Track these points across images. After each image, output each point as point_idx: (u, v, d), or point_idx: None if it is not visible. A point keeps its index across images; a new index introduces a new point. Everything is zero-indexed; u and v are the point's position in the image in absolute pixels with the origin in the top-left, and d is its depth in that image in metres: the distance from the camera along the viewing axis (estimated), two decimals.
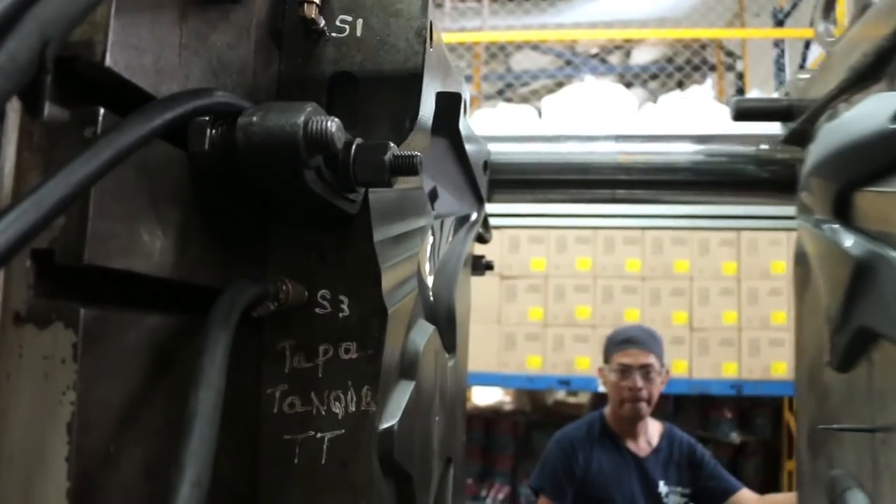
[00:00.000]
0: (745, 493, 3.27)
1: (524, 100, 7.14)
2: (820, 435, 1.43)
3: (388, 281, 0.83)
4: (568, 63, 7.61)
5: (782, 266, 4.85)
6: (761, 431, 5.92)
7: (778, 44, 6.53)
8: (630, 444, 3.28)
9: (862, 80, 1.11)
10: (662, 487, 3.23)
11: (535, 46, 7.37)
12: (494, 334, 4.91)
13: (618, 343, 3.32)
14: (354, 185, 0.75)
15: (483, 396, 6.63)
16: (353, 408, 0.80)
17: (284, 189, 0.70)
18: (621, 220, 4.76)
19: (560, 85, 7.00)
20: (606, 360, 3.36)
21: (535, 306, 4.92)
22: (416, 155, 0.74)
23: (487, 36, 6.89)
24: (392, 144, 0.74)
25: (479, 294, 4.67)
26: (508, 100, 7.19)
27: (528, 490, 6.02)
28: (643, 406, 3.22)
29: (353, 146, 0.74)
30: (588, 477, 3.22)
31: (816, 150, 1.13)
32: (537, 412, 6.25)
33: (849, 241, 1.01)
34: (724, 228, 4.90)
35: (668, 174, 1.58)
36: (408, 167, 0.74)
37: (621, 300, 4.89)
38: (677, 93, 6.12)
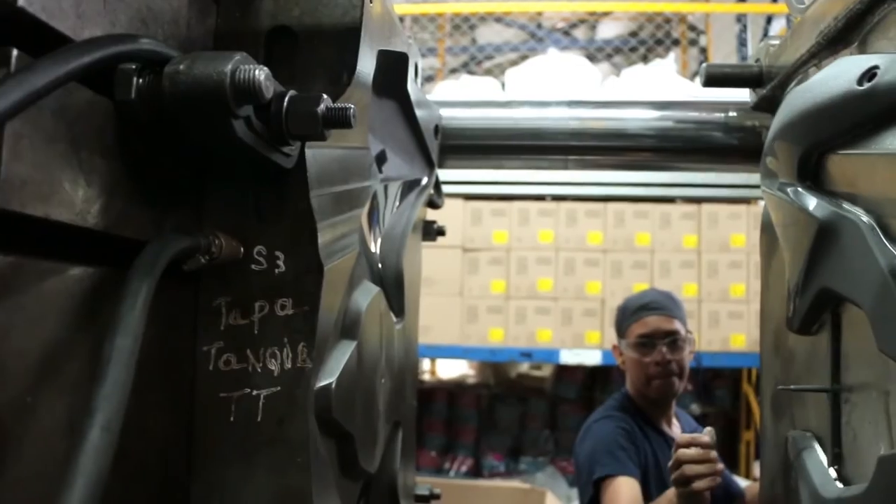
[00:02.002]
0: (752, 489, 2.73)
1: (489, 73, 7.12)
2: (783, 397, 1.45)
3: (325, 238, 0.82)
4: (533, 36, 7.58)
5: (741, 239, 4.89)
6: (720, 403, 6.00)
7: (740, 19, 6.56)
8: (665, 428, 2.80)
9: (832, 44, 1.12)
10: None
11: (500, 19, 7.33)
12: (457, 307, 4.91)
13: (634, 311, 2.81)
14: (288, 138, 0.74)
15: (447, 369, 6.66)
16: (288, 364, 0.80)
17: (214, 140, 0.69)
18: (582, 188, 4.77)
19: (525, 59, 6.97)
20: (621, 334, 2.85)
21: (498, 279, 4.92)
22: (350, 107, 0.73)
23: (451, 7, 6.84)
24: (325, 96, 0.73)
25: (441, 267, 4.71)
26: (472, 73, 7.16)
27: (491, 462, 6.09)
28: (675, 382, 2.72)
29: (286, 98, 0.73)
30: (644, 469, 2.65)
31: (782, 114, 1.14)
32: (500, 385, 6.28)
33: (812, 203, 1.02)
34: (685, 199, 4.94)
35: (622, 140, 1.58)
36: (341, 120, 0.73)
37: (583, 273, 4.91)
38: (640, 66, 6.13)
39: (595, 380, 6.03)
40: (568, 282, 4.91)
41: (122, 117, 0.66)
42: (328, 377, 0.85)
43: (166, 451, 0.79)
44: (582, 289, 4.90)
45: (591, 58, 6.72)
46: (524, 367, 6.14)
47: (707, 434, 2.12)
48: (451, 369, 6.61)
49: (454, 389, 6.28)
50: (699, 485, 2.07)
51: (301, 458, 0.80)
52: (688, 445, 2.10)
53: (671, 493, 2.22)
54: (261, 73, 0.65)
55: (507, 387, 6.25)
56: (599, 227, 4.94)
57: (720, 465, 2.12)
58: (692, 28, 7.24)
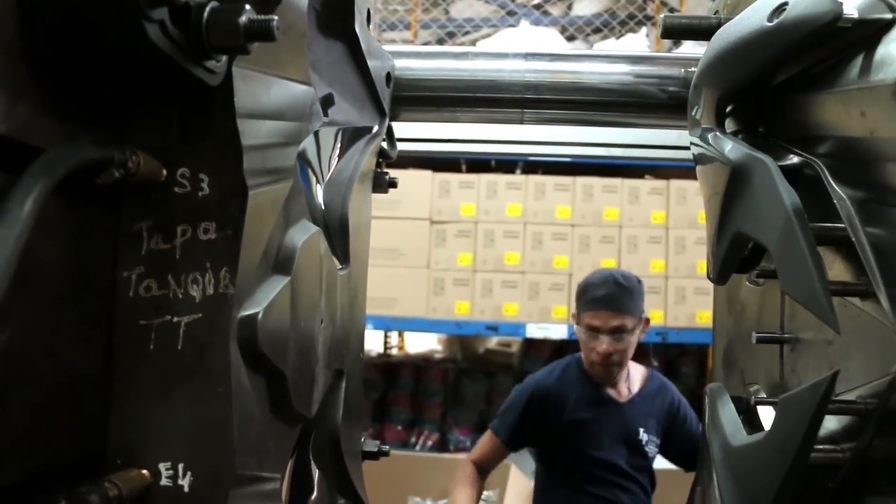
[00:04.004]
0: None
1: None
2: (734, 351, 1.44)
3: (252, 161, 0.79)
4: (506, 10, 7.53)
5: None
6: (686, 379, 6.02)
7: None
8: (609, 391, 3.10)
9: None
10: (643, 435, 3.08)
11: None
12: (423, 279, 4.89)
13: (586, 302, 3.03)
14: (210, 51, 0.71)
15: (414, 344, 6.64)
16: (210, 290, 0.77)
17: (127, 45, 0.66)
18: (543, 147, 4.71)
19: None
20: (577, 312, 3.11)
21: (465, 251, 4.90)
22: (273, 18, 0.70)
23: None
24: (248, 7, 0.70)
25: (408, 238, 4.67)
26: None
27: (456, 437, 6.08)
28: (614, 370, 3.04)
29: (207, 8, 0.69)
30: (566, 424, 3.04)
31: (703, 59, 1.12)
32: (467, 360, 6.28)
33: (727, 146, 1.00)
34: (652, 165, 4.91)
35: (579, 94, 1.56)
36: (264, 32, 0.70)
37: (550, 247, 4.89)
38: (612, 41, 6.11)
39: (561, 355, 6.01)
40: (535, 255, 4.89)
41: (27, 15, 0.62)
42: (255, 307, 0.83)
43: (83, 379, 0.76)
44: (549, 263, 4.89)
45: (565, 33, 6.69)
46: (492, 342, 6.13)
47: None
48: (418, 344, 6.59)
49: (421, 364, 6.26)
50: None
51: (222, 388, 0.77)
52: None
53: None
54: None
55: (474, 362, 6.24)
56: (568, 202, 4.92)
57: None
58: (665, 4, 7.23)
